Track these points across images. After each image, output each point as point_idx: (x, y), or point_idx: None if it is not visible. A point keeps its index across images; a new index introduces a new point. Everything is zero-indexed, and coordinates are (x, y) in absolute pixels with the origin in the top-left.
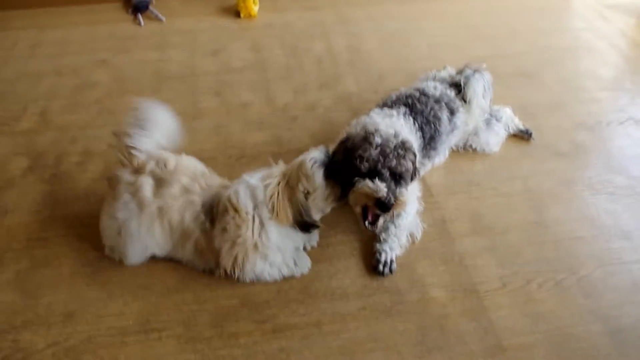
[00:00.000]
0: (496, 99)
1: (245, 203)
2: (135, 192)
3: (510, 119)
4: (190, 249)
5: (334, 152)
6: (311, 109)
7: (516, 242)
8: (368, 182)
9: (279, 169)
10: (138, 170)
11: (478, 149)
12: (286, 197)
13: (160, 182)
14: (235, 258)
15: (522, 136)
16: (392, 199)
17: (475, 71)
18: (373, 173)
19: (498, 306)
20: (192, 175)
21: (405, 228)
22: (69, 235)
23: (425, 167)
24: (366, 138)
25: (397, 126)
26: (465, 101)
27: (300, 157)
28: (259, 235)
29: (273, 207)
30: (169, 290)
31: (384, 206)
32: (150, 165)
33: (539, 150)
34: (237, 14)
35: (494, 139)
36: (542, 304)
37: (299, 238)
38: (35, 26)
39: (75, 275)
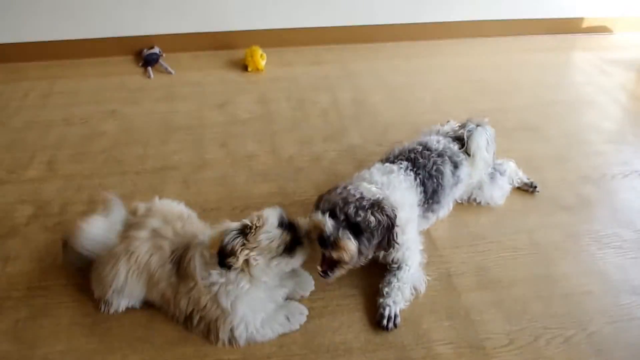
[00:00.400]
0: (500, 152)
1: (200, 272)
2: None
3: (514, 172)
4: (158, 297)
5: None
6: (316, 160)
7: (523, 297)
8: (319, 214)
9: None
10: None
11: (482, 202)
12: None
13: (129, 227)
14: (209, 328)
15: (527, 189)
16: (333, 238)
17: (478, 125)
18: (330, 213)
19: None
20: (164, 218)
21: (408, 281)
22: (69, 285)
23: (430, 221)
24: (336, 188)
25: (395, 182)
26: (468, 155)
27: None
28: (218, 305)
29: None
30: (168, 343)
31: (323, 241)
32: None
33: (544, 204)
34: (245, 68)
35: (499, 193)
36: None
37: (270, 293)
38: (47, 77)
39: (74, 326)
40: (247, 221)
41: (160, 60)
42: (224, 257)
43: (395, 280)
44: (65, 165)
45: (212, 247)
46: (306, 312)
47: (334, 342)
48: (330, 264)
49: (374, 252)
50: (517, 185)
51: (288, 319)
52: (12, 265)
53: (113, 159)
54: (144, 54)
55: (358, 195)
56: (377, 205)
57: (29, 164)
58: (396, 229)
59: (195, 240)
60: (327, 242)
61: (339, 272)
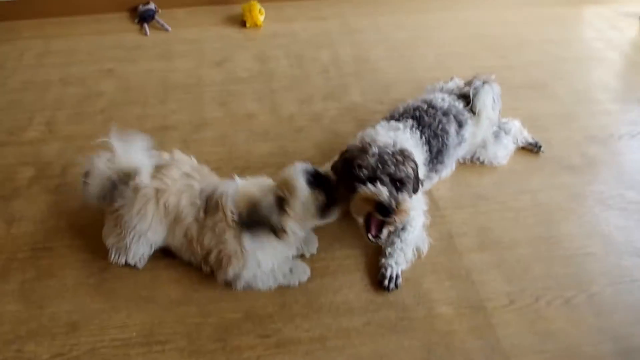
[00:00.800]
0: (505, 110)
1: (231, 207)
2: (131, 178)
3: (519, 132)
4: (180, 236)
5: (334, 165)
6: (317, 119)
7: (524, 258)
8: (369, 185)
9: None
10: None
11: (486, 161)
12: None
13: (159, 168)
14: (221, 263)
15: (531, 149)
16: (394, 203)
17: (484, 82)
18: (372, 179)
19: (506, 324)
20: (191, 165)
21: (411, 242)
22: (73, 245)
23: (432, 181)
24: (363, 149)
25: (402, 139)
26: (474, 113)
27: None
28: (238, 242)
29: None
30: (172, 302)
31: (385, 210)
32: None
33: (548, 164)
34: (243, 24)
35: (502, 152)
36: (551, 322)
37: (287, 247)
38: (42, 36)
39: (79, 286)
40: (279, 191)
41: (156, 17)
42: (274, 231)
43: (399, 241)
44: (64, 126)
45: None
46: (309, 272)
47: (335, 302)
48: (379, 226)
49: None
50: (521, 145)
51: (291, 271)
52: (16, 227)
53: (112, 119)
54: (140, 10)
55: (389, 150)
56: (404, 156)
57: (28, 125)
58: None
59: (224, 182)
60: (389, 210)
61: (388, 230)
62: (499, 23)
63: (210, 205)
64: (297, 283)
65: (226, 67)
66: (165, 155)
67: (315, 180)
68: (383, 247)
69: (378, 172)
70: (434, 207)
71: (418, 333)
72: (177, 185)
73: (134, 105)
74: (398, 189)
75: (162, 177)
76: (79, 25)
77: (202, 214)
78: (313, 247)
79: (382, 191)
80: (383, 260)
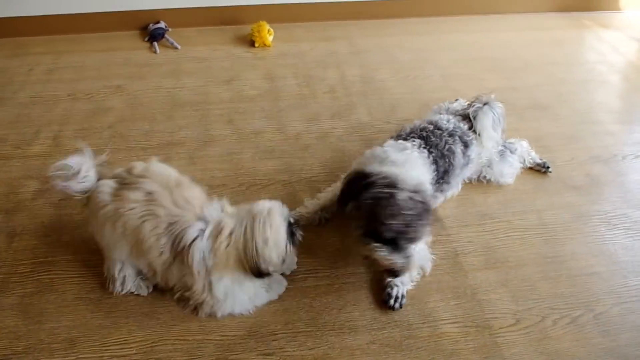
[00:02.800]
0: (511, 131)
1: (197, 260)
2: (95, 195)
3: (526, 152)
4: (144, 265)
5: (345, 183)
6: (323, 137)
7: (530, 277)
8: (386, 252)
9: (229, 216)
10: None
11: (492, 180)
12: (239, 246)
13: (123, 186)
14: (189, 301)
15: (539, 169)
16: (406, 266)
17: (485, 103)
18: (391, 241)
19: (512, 343)
20: (162, 182)
21: (416, 262)
22: (75, 260)
23: (438, 200)
24: (391, 195)
25: (411, 159)
26: (477, 134)
27: (260, 205)
28: (209, 291)
29: (221, 256)
30: (174, 319)
31: (396, 274)
32: (117, 171)
33: (553, 184)
34: (252, 44)
35: (508, 170)
36: (558, 342)
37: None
38: (52, 52)
39: (79, 302)
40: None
41: (166, 35)
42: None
43: None
44: (70, 141)
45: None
46: (285, 282)
47: (340, 320)
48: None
49: None
50: (529, 165)
51: (267, 290)
52: (18, 241)
53: (119, 134)
54: (150, 28)
55: (412, 207)
56: (427, 210)
57: (34, 139)
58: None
59: (196, 223)
60: (399, 273)
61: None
62: (503, 46)
63: (178, 249)
64: (276, 297)
65: (234, 85)
66: (138, 167)
67: (290, 227)
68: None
69: (401, 241)
70: (440, 225)
71: (423, 352)
72: (138, 210)
73: (142, 122)
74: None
75: (122, 198)
76: (89, 42)
77: (168, 255)
78: (292, 265)
79: (398, 260)
80: (388, 279)
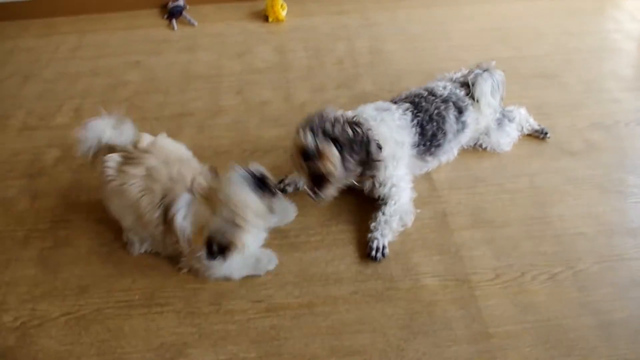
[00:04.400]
0: (513, 98)
1: (182, 225)
2: (102, 169)
3: (524, 119)
4: (148, 233)
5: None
6: (327, 106)
7: (515, 236)
8: (300, 132)
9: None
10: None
11: (489, 148)
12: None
13: (127, 160)
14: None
15: (537, 136)
16: (314, 149)
17: (484, 70)
18: (309, 129)
19: (489, 296)
20: (164, 158)
21: (395, 214)
22: (89, 218)
23: (430, 164)
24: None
25: (387, 118)
26: (475, 100)
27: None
28: (199, 260)
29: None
30: (174, 270)
31: (306, 155)
32: (124, 144)
33: (550, 149)
34: (266, 19)
35: (505, 139)
36: (534, 296)
37: (256, 242)
38: (77, 31)
39: (92, 254)
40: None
41: (184, 13)
42: (222, 251)
43: (381, 214)
44: (90, 113)
45: (198, 237)
46: (276, 261)
47: (326, 272)
48: (317, 182)
49: (361, 172)
50: (527, 132)
51: (256, 264)
52: (39, 202)
53: (134, 106)
54: (169, 6)
55: (334, 114)
56: (354, 122)
57: (57, 112)
58: (374, 145)
59: (184, 195)
60: (311, 154)
61: (328, 190)
62: (517, 16)
63: (167, 220)
64: (261, 273)
65: (246, 59)
66: (144, 140)
67: (257, 182)
68: (369, 222)
69: (314, 126)
70: (431, 187)
71: (402, 302)
72: (137, 185)
73: (156, 94)
74: (336, 145)
75: (125, 171)
76: (112, 21)
77: (161, 226)
78: (290, 215)
79: (307, 136)
80: (369, 234)
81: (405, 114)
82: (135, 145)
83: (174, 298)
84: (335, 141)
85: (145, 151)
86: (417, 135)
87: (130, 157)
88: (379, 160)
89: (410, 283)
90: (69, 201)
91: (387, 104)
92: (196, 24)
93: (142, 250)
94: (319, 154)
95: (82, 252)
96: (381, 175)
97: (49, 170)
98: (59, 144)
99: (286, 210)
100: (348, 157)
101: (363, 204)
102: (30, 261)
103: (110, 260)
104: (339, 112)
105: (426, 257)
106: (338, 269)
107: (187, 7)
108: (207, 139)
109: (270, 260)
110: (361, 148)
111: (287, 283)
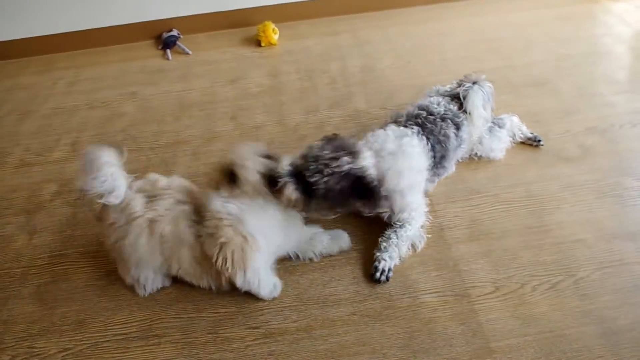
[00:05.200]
0: (505, 108)
1: (218, 208)
2: (124, 209)
3: (516, 127)
4: (188, 258)
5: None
6: (320, 126)
7: (513, 247)
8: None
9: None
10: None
11: (483, 155)
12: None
13: (151, 197)
14: (232, 256)
15: (531, 143)
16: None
17: (474, 83)
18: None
19: (489, 309)
20: (183, 191)
21: (407, 239)
22: (86, 252)
23: (434, 184)
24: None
25: (408, 148)
26: (467, 113)
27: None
28: (239, 232)
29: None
30: (171, 300)
31: (272, 181)
32: (138, 185)
33: (545, 157)
34: (258, 44)
35: (497, 145)
36: (535, 307)
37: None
38: (74, 66)
39: (88, 288)
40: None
41: (178, 42)
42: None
43: (395, 237)
44: (87, 146)
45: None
46: (280, 288)
47: (324, 294)
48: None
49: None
50: (520, 140)
51: (273, 289)
52: (37, 238)
53: (130, 137)
54: (163, 37)
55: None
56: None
57: (54, 147)
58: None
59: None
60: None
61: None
62: (507, 27)
63: (201, 213)
64: (271, 298)
65: (239, 84)
66: (162, 181)
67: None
68: (380, 240)
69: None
70: (427, 202)
71: (401, 321)
72: (172, 213)
73: (151, 124)
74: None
75: (156, 207)
76: (108, 54)
77: (198, 227)
78: (345, 242)
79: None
80: (378, 253)
81: (420, 138)
82: (154, 184)
83: (171, 328)
84: (309, 186)
85: (167, 188)
86: (432, 158)
87: (153, 194)
88: (383, 197)
89: (409, 301)
90: (66, 235)
91: (402, 130)
92: (190, 52)
93: (154, 289)
94: (279, 189)
95: (79, 286)
96: (398, 204)
97: (46, 205)
98: (56, 178)
99: (339, 236)
100: (315, 203)
101: (360, 225)
102: (28, 298)
103: (107, 293)
104: (345, 160)
105: (424, 273)
106: (335, 290)
107: (181, 36)
108: (202, 166)
109: (276, 287)
110: (338, 198)
111: (284, 307)
